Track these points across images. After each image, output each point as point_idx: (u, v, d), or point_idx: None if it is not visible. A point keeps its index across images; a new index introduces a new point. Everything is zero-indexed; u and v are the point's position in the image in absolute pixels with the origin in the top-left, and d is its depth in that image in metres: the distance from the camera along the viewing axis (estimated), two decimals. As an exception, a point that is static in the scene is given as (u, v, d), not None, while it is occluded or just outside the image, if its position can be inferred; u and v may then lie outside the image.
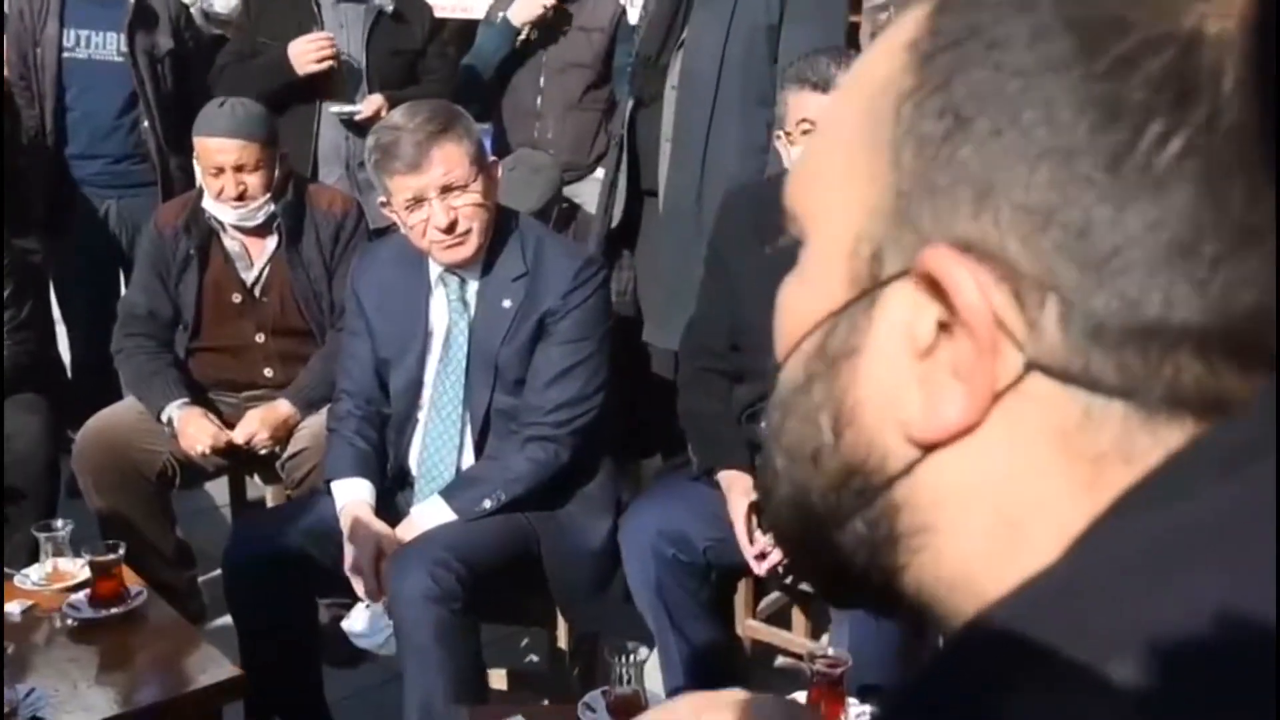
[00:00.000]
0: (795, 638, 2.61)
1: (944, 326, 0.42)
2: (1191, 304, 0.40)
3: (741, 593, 2.61)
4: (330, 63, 3.47)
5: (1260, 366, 0.40)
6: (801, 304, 0.48)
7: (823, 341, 0.46)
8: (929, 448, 0.43)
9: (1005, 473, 0.42)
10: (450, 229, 2.29)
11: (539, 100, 3.86)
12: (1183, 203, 0.39)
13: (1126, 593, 0.37)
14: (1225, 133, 0.39)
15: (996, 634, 0.38)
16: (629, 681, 1.91)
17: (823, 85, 2.29)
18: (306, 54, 3.45)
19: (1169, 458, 0.40)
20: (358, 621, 2.30)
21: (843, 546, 0.47)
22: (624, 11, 4.01)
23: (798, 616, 2.67)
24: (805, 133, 2.33)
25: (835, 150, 0.47)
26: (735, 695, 0.78)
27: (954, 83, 0.42)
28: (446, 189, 2.27)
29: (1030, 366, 0.41)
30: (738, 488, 2.36)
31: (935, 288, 0.42)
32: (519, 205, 3.00)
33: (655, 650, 2.37)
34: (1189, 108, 0.39)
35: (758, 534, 2.35)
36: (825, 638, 2.49)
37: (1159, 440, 0.41)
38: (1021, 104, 0.41)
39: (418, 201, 2.28)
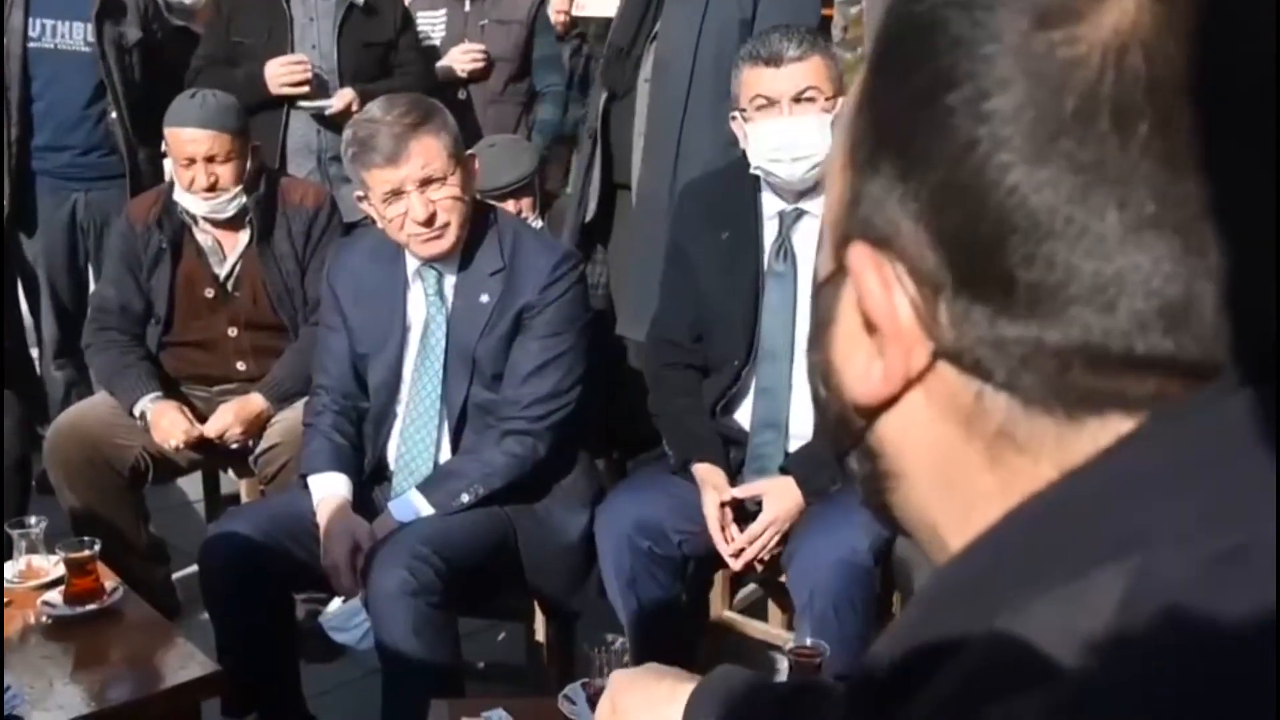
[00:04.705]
0: (771, 628, 2.63)
1: None
2: (1057, 306, 0.43)
3: (718, 584, 2.62)
4: (305, 88, 3.48)
5: (1143, 367, 0.43)
6: (818, 270, 0.55)
7: (819, 308, 0.53)
8: (871, 409, 0.49)
9: (931, 440, 0.48)
10: (429, 222, 2.28)
11: (459, 93, 3.88)
12: (1028, 214, 0.42)
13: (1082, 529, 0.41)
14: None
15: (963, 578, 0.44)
16: (608, 673, 1.91)
17: (774, 60, 2.29)
18: (280, 76, 3.46)
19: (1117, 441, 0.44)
20: (335, 616, 2.30)
21: (852, 470, 0.54)
22: (542, 4, 4.07)
23: (773, 608, 2.69)
24: (759, 108, 2.33)
25: (836, 144, 0.53)
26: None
27: (880, 104, 0.48)
28: (425, 182, 2.27)
29: (937, 355, 0.46)
30: (710, 483, 2.36)
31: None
32: (509, 177, 3.00)
33: (632, 642, 2.38)
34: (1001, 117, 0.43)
35: (733, 529, 2.37)
36: (802, 628, 2.51)
37: (1035, 429, 0.45)
38: (913, 127, 0.45)
39: (396, 194, 2.28)
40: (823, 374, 0.53)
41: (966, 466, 0.47)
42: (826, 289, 0.52)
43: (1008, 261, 0.43)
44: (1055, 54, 0.42)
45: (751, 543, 2.35)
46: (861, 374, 0.49)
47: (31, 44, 3.57)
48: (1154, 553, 0.38)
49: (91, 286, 3.55)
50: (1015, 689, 0.37)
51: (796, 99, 2.29)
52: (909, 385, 0.48)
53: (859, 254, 0.47)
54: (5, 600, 2.13)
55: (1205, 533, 0.38)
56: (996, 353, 0.44)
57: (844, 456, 0.54)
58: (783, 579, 2.46)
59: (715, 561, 2.45)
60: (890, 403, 0.49)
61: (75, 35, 3.61)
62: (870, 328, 0.48)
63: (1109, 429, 0.44)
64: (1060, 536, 0.41)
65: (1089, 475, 0.43)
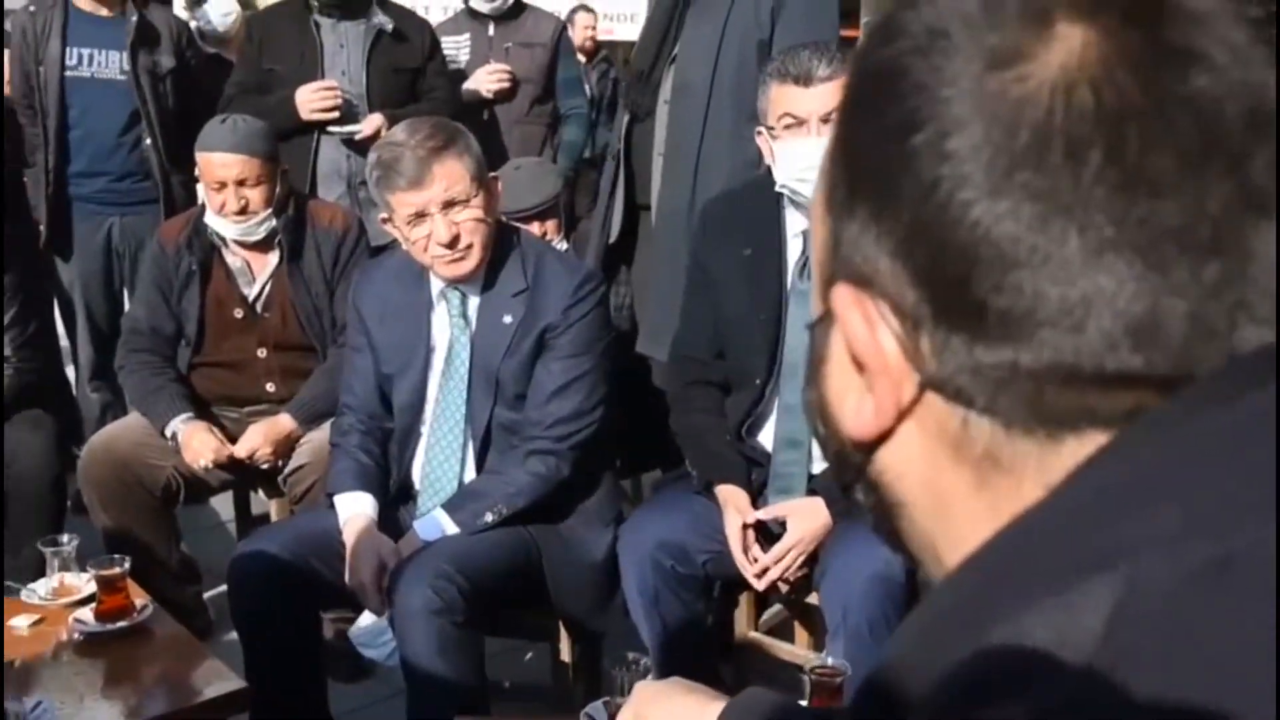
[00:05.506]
0: (797, 650, 2.61)
1: None
2: (1031, 329, 0.44)
3: (743, 605, 2.62)
4: (335, 113, 3.53)
5: (1116, 384, 0.44)
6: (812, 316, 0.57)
7: (812, 348, 0.55)
8: (867, 444, 0.51)
9: (925, 468, 0.50)
10: (452, 244, 2.31)
11: (483, 114, 3.93)
12: (993, 245, 0.44)
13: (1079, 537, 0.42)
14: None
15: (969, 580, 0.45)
16: (630, 692, 1.91)
17: (804, 79, 2.29)
18: (311, 102, 3.52)
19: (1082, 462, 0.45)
20: (364, 632, 2.32)
21: (859, 502, 0.56)
22: (565, 28, 4.14)
23: (799, 629, 2.68)
24: (787, 127, 2.33)
25: (816, 189, 0.55)
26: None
27: (852, 149, 0.50)
28: (448, 204, 2.30)
29: (924, 386, 0.48)
30: (733, 505, 2.35)
31: None
32: (532, 200, 3.03)
33: (656, 662, 2.37)
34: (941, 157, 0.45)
35: (755, 550, 2.36)
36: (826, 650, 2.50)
37: (1017, 451, 0.47)
38: (883, 169, 0.47)
39: (420, 217, 2.31)
40: (820, 412, 0.55)
41: (957, 491, 0.49)
42: (818, 329, 0.54)
43: (978, 291, 0.45)
44: (1007, 93, 0.44)
45: (776, 563, 2.34)
46: (854, 411, 0.51)
47: (69, 73, 3.65)
48: (1140, 563, 0.39)
49: (126, 309, 3.61)
50: (1008, 695, 0.38)
51: (825, 119, 2.29)
52: (901, 418, 0.49)
53: (842, 295, 0.49)
54: (38, 618, 2.17)
55: (1189, 541, 0.39)
56: (975, 379, 0.46)
57: (849, 490, 0.56)
58: (810, 599, 2.45)
59: (740, 582, 2.44)
60: (885, 436, 0.50)
61: (111, 64, 3.69)
62: (859, 366, 0.50)
63: (1088, 446, 0.45)
64: (1046, 551, 0.42)
65: (1070, 490, 0.44)
